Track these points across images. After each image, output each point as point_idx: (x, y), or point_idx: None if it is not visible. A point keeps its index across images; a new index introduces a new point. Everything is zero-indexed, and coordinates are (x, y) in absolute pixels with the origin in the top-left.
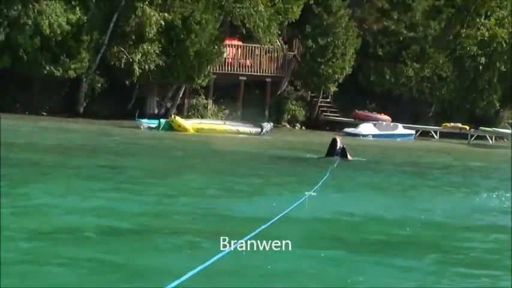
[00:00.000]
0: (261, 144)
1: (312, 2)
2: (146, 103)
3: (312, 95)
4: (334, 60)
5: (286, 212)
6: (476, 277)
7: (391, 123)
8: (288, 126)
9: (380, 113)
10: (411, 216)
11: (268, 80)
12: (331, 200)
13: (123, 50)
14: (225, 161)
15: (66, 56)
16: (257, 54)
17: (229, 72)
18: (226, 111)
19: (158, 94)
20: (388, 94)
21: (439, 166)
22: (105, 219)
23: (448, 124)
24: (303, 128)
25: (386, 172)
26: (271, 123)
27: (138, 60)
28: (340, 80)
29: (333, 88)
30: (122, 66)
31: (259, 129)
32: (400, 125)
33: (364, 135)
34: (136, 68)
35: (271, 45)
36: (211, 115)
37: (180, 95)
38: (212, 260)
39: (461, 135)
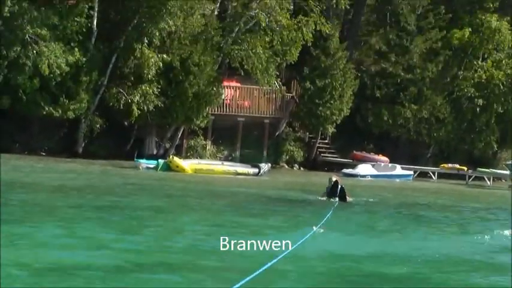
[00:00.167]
0: (259, 184)
1: (310, 44)
2: (145, 144)
3: (310, 136)
4: (332, 102)
5: (294, 247)
6: None
7: (389, 164)
8: (286, 167)
9: (378, 154)
10: (408, 254)
11: (266, 121)
12: (332, 238)
13: (122, 91)
14: (222, 202)
15: (65, 97)
16: (255, 96)
17: (227, 113)
18: (225, 152)
19: (157, 135)
20: (386, 135)
21: (437, 208)
22: (103, 257)
23: (446, 165)
24: (301, 168)
25: (384, 212)
26: (269, 164)
27: (137, 101)
28: (338, 121)
29: (331, 129)
30: (121, 107)
31: (256, 170)
32: (398, 166)
33: (362, 176)
34: (135, 109)
35: (270, 86)
36: (210, 156)
37: (179, 136)
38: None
39: (459, 176)
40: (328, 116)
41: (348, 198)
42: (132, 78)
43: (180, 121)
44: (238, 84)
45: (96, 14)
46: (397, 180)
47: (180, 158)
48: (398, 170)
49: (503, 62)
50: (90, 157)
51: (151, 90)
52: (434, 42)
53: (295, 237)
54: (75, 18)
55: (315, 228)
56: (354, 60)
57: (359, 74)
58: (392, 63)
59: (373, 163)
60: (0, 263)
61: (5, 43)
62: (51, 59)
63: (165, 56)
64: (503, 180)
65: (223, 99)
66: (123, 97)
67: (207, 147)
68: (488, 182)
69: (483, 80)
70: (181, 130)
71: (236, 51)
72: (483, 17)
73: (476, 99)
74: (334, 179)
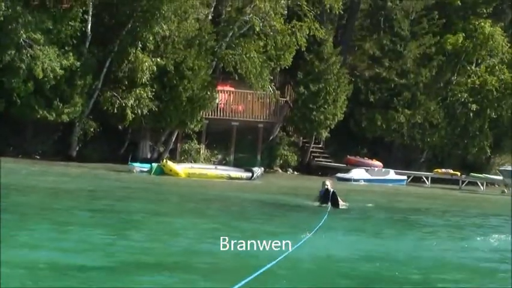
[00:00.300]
0: (252, 189)
1: (304, 49)
2: (139, 147)
3: (304, 140)
4: (326, 107)
5: (288, 252)
6: None
7: (383, 169)
8: (280, 171)
9: (372, 159)
10: (399, 257)
11: (260, 125)
12: (324, 243)
13: (116, 94)
14: (215, 206)
15: (60, 101)
16: (249, 100)
17: (221, 117)
18: (219, 156)
19: (151, 138)
20: (380, 140)
21: (430, 213)
22: (98, 259)
23: (439, 170)
24: (295, 173)
25: (376, 217)
26: (262, 168)
27: (131, 105)
28: (332, 126)
29: (325, 134)
30: (115, 110)
31: (250, 174)
32: (391, 171)
33: (355, 180)
34: (129, 113)
35: (264, 91)
36: (204, 160)
37: (173, 140)
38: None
39: (453, 181)
40: (322, 120)
41: (342, 203)
42: (126, 82)
43: (174, 125)
44: (232, 89)
45: (90, 18)
46: (391, 185)
47: (173, 162)
48: (391, 174)
49: (497, 67)
50: (84, 161)
51: (145, 94)
52: (427, 48)
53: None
54: (69, 23)
55: (308, 234)
56: (348, 65)
57: (353, 79)
58: (386, 68)
59: (366, 168)
60: (0, 264)
61: None
62: (45, 63)
63: (159, 60)
64: (497, 186)
65: (217, 104)
66: (117, 101)
67: (201, 151)
68: (482, 187)
69: (476, 86)
70: (175, 134)
71: (230, 56)
72: (476, 23)
73: (469, 105)
74: (327, 183)
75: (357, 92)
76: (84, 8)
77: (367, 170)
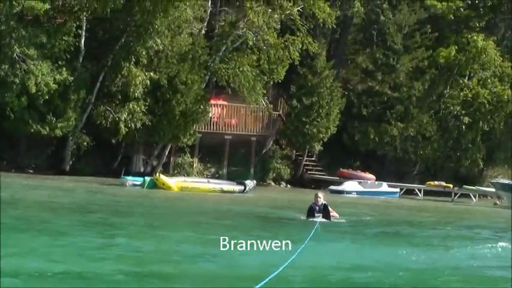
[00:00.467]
0: (244, 202)
1: (297, 63)
2: (132, 161)
3: (297, 153)
4: (318, 120)
5: (289, 261)
6: None
7: (376, 182)
8: (273, 184)
9: (365, 172)
10: (390, 265)
11: (253, 138)
12: (317, 253)
13: (109, 109)
14: (208, 218)
15: (53, 115)
16: (242, 114)
17: (214, 131)
18: (212, 170)
19: (144, 152)
20: (373, 153)
21: (421, 224)
22: (93, 268)
23: (432, 182)
24: (288, 186)
25: (367, 228)
26: (254, 181)
27: (124, 119)
28: (325, 139)
29: (318, 147)
30: (108, 125)
31: (242, 187)
32: (384, 183)
33: (348, 192)
34: (122, 127)
35: (257, 104)
36: (197, 173)
37: (166, 154)
38: None
39: (445, 194)
40: (315, 134)
41: (334, 216)
42: (120, 97)
43: (167, 139)
44: (225, 103)
45: (83, 33)
46: (383, 197)
47: (166, 176)
48: (384, 187)
49: (489, 80)
50: (77, 174)
51: (138, 108)
52: (420, 61)
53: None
54: (63, 37)
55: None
56: (341, 79)
57: (346, 93)
58: (379, 82)
59: (359, 180)
60: (0, 265)
61: None
62: (38, 78)
63: (152, 74)
64: (489, 197)
65: (211, 117)
66: (111, 115)
67: (194, 165)
68: (474, 200)
69: (469, 98)
70: (169, 148)
71: (223, 70)
72: (469, 37)
73: (462, 117)
74: (320, 195)
75: (349, 105)
76: (77, 23)
77: (359, 183)
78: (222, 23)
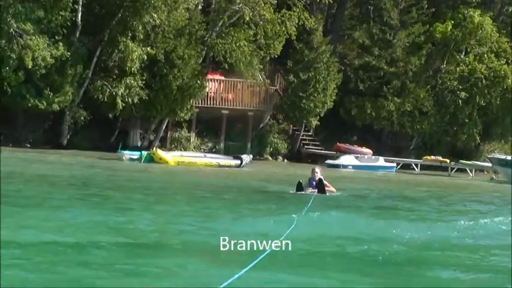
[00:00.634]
0: (239, 176)
1: (294, 38)
2: (129, 136)
3: (294, 128)
4: (315, 95)
5: (286, 234)
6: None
7: (373, 156)
8: (270, 158)
9: (362, 146)
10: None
11: (250, 113)
12: (312, 226)
13: (106, 83)
14: (204, 192)
15: (50, 90)
16: (239, 89)
17: (211, 106)
18: (209, 144)
19: (141, 127)
20: (370, 128)
21: (421, 198)
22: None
23: (428, 157)
24: (285, 160)
25: (363, 200)
26: (251, 156)
27: (121, 93)
28: (322, 114)
29: (315, 122)
30: (105, 99)
31: (239, 162)
32: (381, 158)
33: (344, 166)
34: (120, 102)
35: (253, 79)
36: (194, 148)
37: (163, 128)
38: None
39: (442, 168)
40: (312, 108)
41: (331, 190)
42: (117, 71)
43: (164, 113)
44: (222, 77)
45: (80, 8)
46: (380, 172)
47: (163, 150)
48: (381, 161)
49: (486, 55)
50: (74, 149)
51: (135, 83)
52: (417, 36)
53: (276, 225)
54: (60, 12)
55: (294, 216)
56: (338, 54)
57: (342, 68)
58: (376, 57)
59: (356, 155)
60: (0, 264)
61: None
62: (35, 53)
63: (149, 49)
64: (485, 172)
65: (207, 92)
66: (108, 90)
67: (191, 139)
68: (471, 174)
69: (466, 74)
70: (166, 122)
71: (220, 45)
72: (466, 12)
73: (458, 92)
74: (317, 170)
75: (346, 80)
76: None
77: (356, 157)
78: None
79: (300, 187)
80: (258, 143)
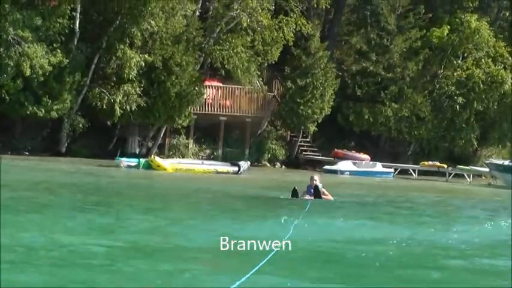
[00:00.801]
0: (237, 183)
1: (291, 44)
2: (127, 143)
3: (292, 134)
4: (313, 101)
5: (285, 239)
6: None
7: (370, 162)
8: (268, 165)
9: (359, 152)
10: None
11: (248, 120)
12: (309, 229)
13: (104, 91)
14: (203, 199)
15: (49, 97)
16: (237, 95)
17: (209, 112)
18: (207, 151)
19: (139, 134)
20: (367, 134)
21: (419, 202)
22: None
23: (426, 162)
24: (283, 167)
25: (358, 205)
26: (248, 162)
27: (120, 101)
28: (320, 120)
29: (313, 128)
30: (104, 106)
31: (236, 168)
32: (378, 164)
33: (342, 172)
34: (118, 109)
35: (251, 86)
36: (192, 155)
37: (161, 135)
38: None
39: (439, 174)
40: (310, 114)
41: (327, 198)
42: (115, 79)
43: (163, 120)
44: (220, 84)
45: (78, 15)
46: (378, 177)
47: (162, 157)
48: (378, 167)
49: (483, 60)
50: (73, 156)
51: (133, 90)
52: (414, 42)
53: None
54: (58, 20)
55: (282, 220)
56: (335, 60)
57: (340, 73)
58: (373, 63)
59: (354, 161)
60: (0, 263)
61: None
62: (33, 60)
63: (147, 56)
64: (483, 177)
65: (205, 99)
66: (106, 97)
67: (189, 146)
68: (468, 179)
69: (463, 79)
70: (164, 129)
71: (218, 51)
72: (462, 17)
73: (456, 98)
74: (315, 177)
75: (344, 86)
76: (72, 5)
77: (354, 163)
78: (216, 5)
79: (295, 193)
80: (256, 149)
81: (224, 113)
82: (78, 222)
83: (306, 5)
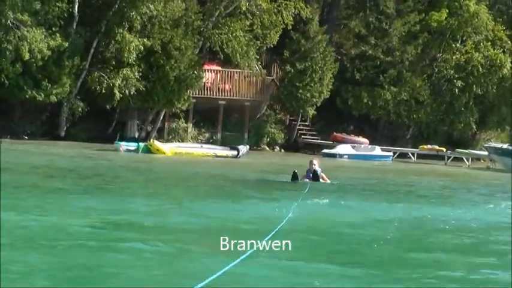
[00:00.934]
0: (236, 166)
1: (290, 27)
2: (127, 127)
3: (291, 118)
4: (312, 85)
5: (283, 223)
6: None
7: (369, 145)
8: (268, 149)
9: (358, 136)
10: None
11: (247, 103)
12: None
13: (103, 75)
14: (202, 182)
15: (48, 81)
16: (236, 79)
17: (208, 96)
18: (206, 135)
19: (138, 118)
20: (366, 117)
21: (418, 185)
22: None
23: (425, 146)
24: (282, 150)
25: (356, 188)
26: (247, 146)
27: (119, 85)
28: (318, 104)
29: (311, 111)
30: (103, 90)
31: (235, 152)
32: (377, 147)
33: (340, 156)
34: (117, 93)
35: (250, 69)
36: (191, 138)
37: (160, 119)
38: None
39: (438, 157)
40: (309, 98)
41: (325, 179)
42: (114, 62)
43: (162, 104)
44: (219, 68)
45: None
46: (376, 161)
47: (161, 141)
48: (377, 151)
49: (482, 44)
50: (72, 140)
51: (132, 74)
52: (413, 25)
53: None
54: (57, 4)
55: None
56: (334, 44)
57: (339, 57)
58: (372, 46)
59: (353, 145)
60: (0, 264)
61: None
62: (32, 44)
63: (146, 40)
64: (482, 161)
65: (204, 83)
66: (105, 81)
67: (189, 130)
68: (467, 163)
69: (462, 62)
70: (163, 113)
71: (216, 35)
72: (461, 0)
73: (455, 81)
74: (314, 162)
75: (343, 69)
76: None
77: (353, 147)
78: None
79: (295, 177)
80: (255, 133)
81: (223, 97)
82: (77, 206)
83: None
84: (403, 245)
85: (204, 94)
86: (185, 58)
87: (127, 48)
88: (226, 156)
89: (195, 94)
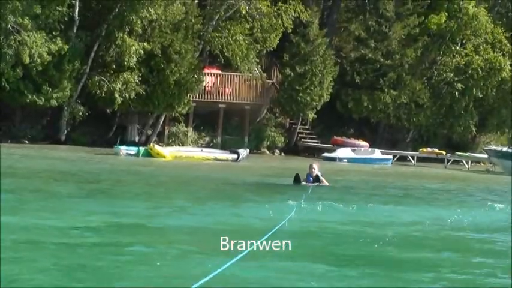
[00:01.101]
0: (237, 170)
1: (290, 31)
2: (127, 131)
3: (291, 121)
4: (312, 88)
5: (282, 223)
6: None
7: (369, 149)
8: (268, 152)
9: (358, 139)
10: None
11: (247, 107)
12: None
13: (103, 79)
14: (202, 186)
15: (48, 86)
16: (236, 82)
17: (208, 100)
18: (206, 139)
19: (139, 122)
20: (366, 120)
21: (418, 188)
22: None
23: (424, 149)
24: (282, 154)
25: (356, 190)
26: (247, 150)
27: (119, 88)
28: (318, 107)
29: (311, 115)
30: (103, 94)
31: (235, 156)
32: (377, 150)
33: (340, 159)
34: (117, 97)
35: (250, 73)
36: (192, 142)
37: (161, 123)
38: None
39: (438, 160)
40: (309, 102)
41: (325, 182)
42: (114, 66)
43: (162, 108)
44: (219, 71)
45: (77, 3)
46: (376, 164)
47: (161, 145)
48: (377, 154)
49: (481, 47)
50: (72, 144)
51: (132, 78)
52: (412, 28)
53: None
54: (57, 8)
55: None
56: (334, 47)
57: (338, 60)
58: (372, 50)
59: (353, 148)
60: (0, 264)
61: None
62: (32, 48)
63: (146, 44)
64: (482, 164)
65: (204, 86)
66: (105, 85)
67: (189, 134)
68: (467, 166)
69: (462, 65)
70: (163, 117)
71: (216, 39)
72: (461, 3)
73: (455, 84)
74: (314, 166)
75: (342, 73)
76: None
77: (353, 150)
78: None
79: (297, 179)
80: (255, 136)
81: (223, 101)
82: (78, 209)
83: None
84: (403, 245)
85: (204, 98)
86: (185, 62)
87: (127, 52)
88: (227, 160)
89: (195, 98)
